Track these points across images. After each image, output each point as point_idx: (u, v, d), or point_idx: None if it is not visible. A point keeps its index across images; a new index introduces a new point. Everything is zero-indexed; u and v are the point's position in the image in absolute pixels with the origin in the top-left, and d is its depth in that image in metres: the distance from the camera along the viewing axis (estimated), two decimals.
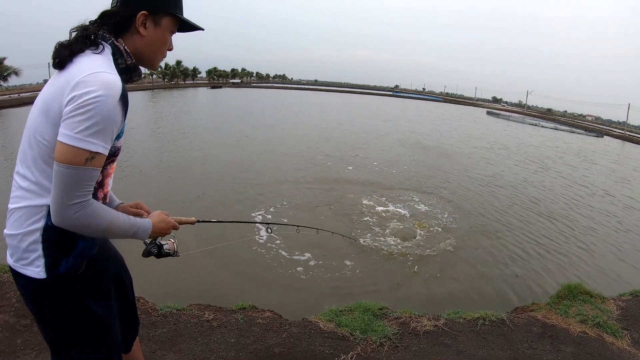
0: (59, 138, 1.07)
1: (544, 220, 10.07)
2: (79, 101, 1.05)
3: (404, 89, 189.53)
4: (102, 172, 1.22)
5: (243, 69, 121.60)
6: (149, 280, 4.83)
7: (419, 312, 3.39)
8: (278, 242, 6.91)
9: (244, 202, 9.45)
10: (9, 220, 1.20)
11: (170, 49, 1.38)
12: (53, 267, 1.19)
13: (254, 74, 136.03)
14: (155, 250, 1.50)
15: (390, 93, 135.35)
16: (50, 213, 1.11)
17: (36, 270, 1.18)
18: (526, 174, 16.14)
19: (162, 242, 1.53)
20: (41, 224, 1.17)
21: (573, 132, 49.66)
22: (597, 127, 62.96)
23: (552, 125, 55.50)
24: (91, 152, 1.07)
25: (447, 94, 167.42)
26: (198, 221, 1.71)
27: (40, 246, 1.17)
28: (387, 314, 3.27)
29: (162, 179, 11.12)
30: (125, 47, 1.25)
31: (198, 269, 5.91)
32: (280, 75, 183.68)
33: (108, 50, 1.21)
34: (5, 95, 37.28)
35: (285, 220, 8.21)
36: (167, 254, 1.53)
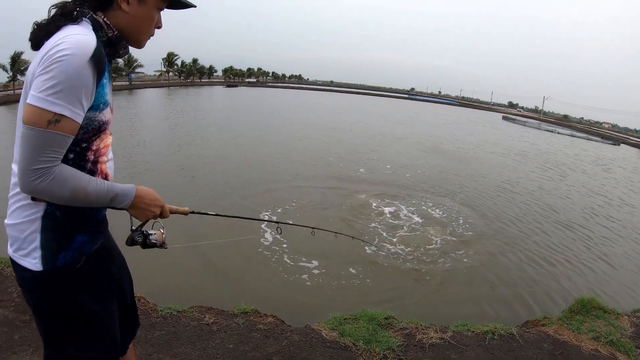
0: (27, 99, 1.03)
1: (562, 228, 9.81)
2: (47, 61, 1.01)
3: (420, 92, 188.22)
4: (89, 148, 1.18)
5: (259, 69, 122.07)
6: (152, 279, 4.80)
7: (426, 322, 3.27)
8: (285, 245, 6.79)
9: (251, 202, 9.39)
10: (9, 210, 1.18)
11: (159, 27, 1.31)
12: (50, 260, 1.16)
13: (270, 74, 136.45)
14: (140, 239, 1.41)
15: (406, 96, 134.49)
16: None
17: (33, 261, 1.15)
18: (543, 181, 15.81)
19: (150, 232, 1.44)
20: (40, 214, 1.14)
21: (589, 139, 48.77)
22: (613, 135, 61.65)
23: (569, 132, 54.54)
24: (55, 113, 1.00)
25: (463, 97, 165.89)
26: (192, 212, 1.61)
27: (38, 237, 1.15)
28: (392, 324, 3.16)
29: (171, 177, 11.13)
30: (105, 19, 1.18)
31: (202, 270, 5.84)
32: (296, 75, 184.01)
33: (87, 23, 1.15)
34: (22, 88, 38.00)
35: (291, 222, 8.05)
36: (154, 245, 1.44)
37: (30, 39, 1.12)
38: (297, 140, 18.97)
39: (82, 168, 1.16)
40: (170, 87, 59.12)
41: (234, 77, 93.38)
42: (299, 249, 6.65)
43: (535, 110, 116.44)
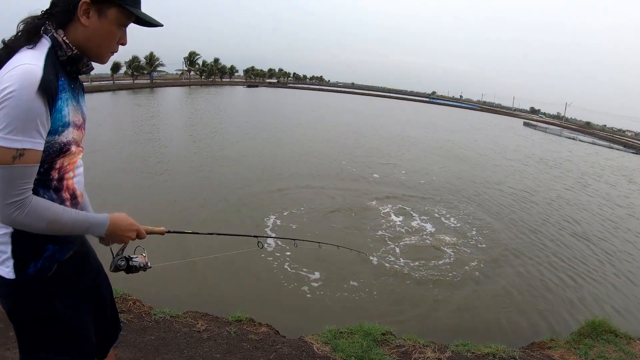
0: None
1: (581, 241, 9.44)
2: None
3: (441, 96, 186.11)
4: (53, 167, 1.19)
5: (280, 69, 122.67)
6: (150, 282, 4.76)
7: (424, 340, 3.14)
8: (288, 253, 6.61)
9: (259, 200, 9.35)
10: None
11: (123, 43, 1.30)
12: (22, 269, 1.20)
13: (291, 75, 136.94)
14: (123, 264, 1.43)
15: (427, 99, 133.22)
16: None
17: (6, 270, 1.19)
18: (563, 191, 15.32)
19: (132, 256, 1.46)
20: (11, 229, 1.17)
21: (611, 147, 47.15)
22: (636, 144, 59.34)
23: (590, 139, 52.85)
24: (17, 149, 1.05)
25: (484, 102, 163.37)
26: (168, 231, 1.60)
27: (9, 248, 1.19)
28: (389, 341, 3.04)
29: (187, 176, 11.18)
30: (64, 39, 1.18)
31: (204, 274, 5.77)
32: (317, 77, 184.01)
33: (47, 43, 1.16)
34: None
35: (294, 227, 7.92)
36: (137, 269, 1.46)
37: None
38: (314, 143, 18.84)
39: (47, 186, 1.20)
40: (192, 87, 59.80)
41: (255, 77, 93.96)
42: (301, 258, 6.47)
43: (558, 117, 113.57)
